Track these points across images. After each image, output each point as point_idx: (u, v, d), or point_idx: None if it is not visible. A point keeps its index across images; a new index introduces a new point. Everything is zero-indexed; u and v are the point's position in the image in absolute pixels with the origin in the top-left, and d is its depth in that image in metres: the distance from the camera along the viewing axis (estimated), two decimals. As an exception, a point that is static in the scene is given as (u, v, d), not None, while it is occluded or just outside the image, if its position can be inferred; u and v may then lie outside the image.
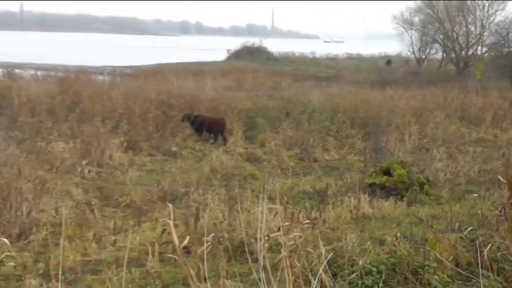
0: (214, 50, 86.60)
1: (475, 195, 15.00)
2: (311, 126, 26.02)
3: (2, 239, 10.17)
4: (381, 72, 59.73)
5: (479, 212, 12.81)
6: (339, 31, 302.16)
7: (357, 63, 77.23)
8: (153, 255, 8.84)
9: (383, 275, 7.43)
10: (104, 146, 19.97)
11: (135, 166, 19.85)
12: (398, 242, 8.86)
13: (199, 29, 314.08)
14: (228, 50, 77.35)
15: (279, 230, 6.59)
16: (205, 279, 5.78)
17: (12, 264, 9.17)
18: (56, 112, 24.37)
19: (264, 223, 5.96)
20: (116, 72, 50.63)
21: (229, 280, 6.54)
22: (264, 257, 5.76)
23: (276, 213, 8.86)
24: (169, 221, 5.83)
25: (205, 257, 5.92)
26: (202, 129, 24.56)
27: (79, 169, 18.34)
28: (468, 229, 9.45)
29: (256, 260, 5.93)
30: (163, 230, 9.64)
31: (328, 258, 6.83)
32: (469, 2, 60.74)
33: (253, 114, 28.08)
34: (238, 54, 74.38)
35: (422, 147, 23.68)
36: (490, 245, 8.17)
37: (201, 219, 12.40)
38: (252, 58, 69.68)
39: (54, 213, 13.65)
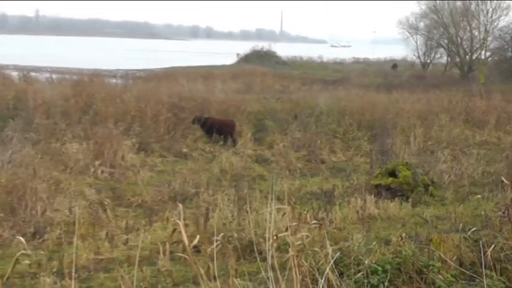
0: (224, 54, 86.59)
1: (479, 196, 14.92)
2: (318, 128, 25.98)
3: (18, 237, 10.27)
4: (387, 76, 59.64)
5: (482, 213, 12.74)
6: (346, 36, 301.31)
7: (364, 67, 77.07)
8: (164, 254, 8.89)
9: (388, 274, 7.42)
10: (116, 147, 20.00)
11: (147, 167, 19.87)
12: (404, 242, 8.84)
13: (210, 34, 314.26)
14: (238, 54, 77.30)
15: (286, 230, 6.59)
16: (214, 277, 5.79)
17: (27, 262, 9.18)
18: (70, 114, 24.41)
19: (273, 223, 5.96)
20: (128, 76, 50.78)
21: (238, 279, 6.55)
22: (272, 256, 5.75)
23: (284, 214, 8.84)
24: (179, 221, 5.83)
25: (214, 256, 5.93)
26: (212, 131, 24.56)
27: (92, 170, 18.37)
28: (472, 230, 9.42)
29: (264, 259, 5.92)
30: (174, 230, 9.69)
31: (335, 258, 6.82)
32: (473, 8, 60.69)
33: (262, 116, 28.06)
34: (248, 58, 74.32)
35: (427, 149, 23.61)
36: (493, 245, 8.15)
37: (210, 219, 12.39)
38: (261, 62, 69.64)
39: (68, 213, 13.67)
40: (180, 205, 7.01)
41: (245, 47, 79.28)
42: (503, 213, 10.90)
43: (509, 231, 9.56)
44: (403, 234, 9.58)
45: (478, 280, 7.44)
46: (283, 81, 49.40)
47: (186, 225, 8.57)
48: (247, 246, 10.09)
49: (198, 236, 6.28)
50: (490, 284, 7.20)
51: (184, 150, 22.67)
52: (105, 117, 24.00)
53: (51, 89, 30.18)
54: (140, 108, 25.72)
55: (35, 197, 13.91)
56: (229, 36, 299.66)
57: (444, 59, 66.66)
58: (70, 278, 8.81)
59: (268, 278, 5.69)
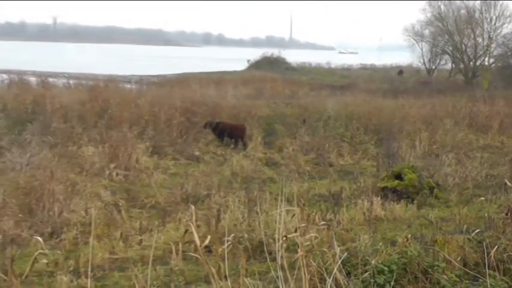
0: (235, 60, 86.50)
1: (482, 198, 14.87)
2: (327, 132, 25.98)
3: (36, 237, 10.29)
4: (393, 81, 59.53)
5: (486, 214, 12.70)
6: (354, 42, 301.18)
7: (371, 73, 76.91)
8: (176, 253, 8.89)
9: (394, 274, 7.39)
10: (130, 150, 20.03)
11: (160, 169, 19.90)
12: (409, 243, 8.81)
13: (221, 41, 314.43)
14: (248, 60, 77.19)
15: (296, 230, 6.58)
16: (225, 277, 5.79)
17: (45, 261, 9.20)
18: (86, 118, 24.46)
19: (282, 224, 5.95)
20: (142, 81, 50.79)
21: (248, 278, 6.54)
22: (281, 256, 5.74)
23: (293, 215, 8.85)
24: (191, 222, 5.84)
25: (225, 256, 5.92)
26: (224, 135, 24.59)
27: (107, 172, 18.41)
28: (476, 231, 9.37)
29: (274, 259, 5.92)
30: (186, 230, 9.69)
31: (342, 258, 6.80)
32: (477, 16, 60.62)
33: (272, 121, 28.06)
34: (258, 65, 74.24)
35: (432, 153, 23.58)
36: (496, 246, 8.11)
37: (222, 220, 12.38)
38: (271, 68, 69.58)
39: (84, 214, 13.71)
40: (192, 206, 7.02)
41: (255, 54, 79.24)
42: (506, 215, 10.84)
43: (512, 232, 9.52)
44: (409, 235, 9.54)
45: (481, 280, 7.40)
46: (293, 87, 49.35)
47: (198, 226, 8.60)
48: (257, 246, 10.10)
49: (209, 237, 6.29)
50: (493, 284, 7.16)
51: (197, 153, 22.69)
52: (120, 121, 24.05)
53: (68, 94, 30.25)
54: (154, 112, 25.76)
55: (52, 198, 13.96)
56: (240, 43, 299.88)
57: (449, 66, 66.49)
58: (86, 277, 8.86)
59: (277, 278, 5.68)
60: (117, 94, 29.96)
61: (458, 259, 8.43)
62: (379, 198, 15.25)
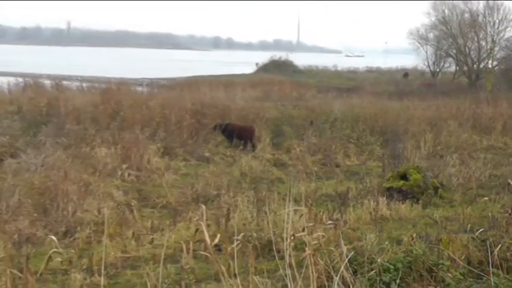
0: (243, 64, 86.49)
1: (486, 198, 14.85)
2: (333, 134, 26.00)
3: (50, 236, 10.33)
4: (399, 84, 59.51)
5: (489, 214, 12.68)
6: (360, 46, 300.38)
7: (376, 75, 76.75)
8: (187, 252, 8.89)
9: (400, 273, 7.39)
10: (142, 151, 20.07)
11: (171, 170, 19.91)
12: (414, 242, 8.81)
13: (230, 44, 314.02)
14: (257, 64, 77.15)
15: (303, 230, 6.58)
16: (235, 275, 5.79)
17: (59, 259, 9.22)
18: (99, 120, 24.51)
19: (290, 223, 5.95)
20: (153, 84, 50.93)
21: (257, 276, 6.55)
22: (289, 255, 5.74)
23: (301, 215, 8.86)
24: (202, 221, 5.84)
25: (235, 254, 5.93)
26: (233, 137, 24.60)
27: (120, 173, 18.43)
28: (479, 230, 9.35)
29: (282, 258, 5.91)
30: (197, 229, 9.71)
31: (349, 257, 6.79)
32: (480, 20, 60.54)
33: (280, 122, 28.06)
34: (266, 68, 74.19)
35: (436, 153, 23.54)
36: (500, 245, 8.10)
37: (231, 219, 12.39)
38: (278, 71, 69.50)
39: (97, 213, 13.74)
40: (203, 206, 7.00)
41: (264, 57, 79.18)
42: (510, 214, 10.85)
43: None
44: (414, 235, 9.55)
45: (485, 278, 7.40)
46: (300, 89, 49.28)
47: (208, 225, 8.59)
48: (266, 245, 10.10)
49: (219, 235, 6.29)
50: (496, 281, 7.15)
51: (207, 154, 22.70)
52: (132, 123, 24.09)
53: (82, 97, 30.33)
54: (165, 114, 25.78)
55: (66, 198, 14.01)
56: (248, 46, 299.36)
57: (453, 68, 66.43)
58: (99, 275, 8.88)
59: (285, 276, 5.68)
60: (129, 96, 30.00)
61: (463, 258, 8.42)
62: (384, 198, 15.25)
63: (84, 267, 9.75)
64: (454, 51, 63.23)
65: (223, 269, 5.61)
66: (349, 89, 52.73)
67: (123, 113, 25.23)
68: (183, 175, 19.80)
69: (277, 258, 6.55)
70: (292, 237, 6.08)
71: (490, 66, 59.42)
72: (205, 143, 24.00)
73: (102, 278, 7.66)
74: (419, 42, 67.60)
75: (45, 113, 25.70)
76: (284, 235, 5.88)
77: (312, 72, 76.70)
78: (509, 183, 14.40)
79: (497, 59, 59.51)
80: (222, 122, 25.37)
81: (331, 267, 6.58)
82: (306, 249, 6.07)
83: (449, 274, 7.60)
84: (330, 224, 10.18)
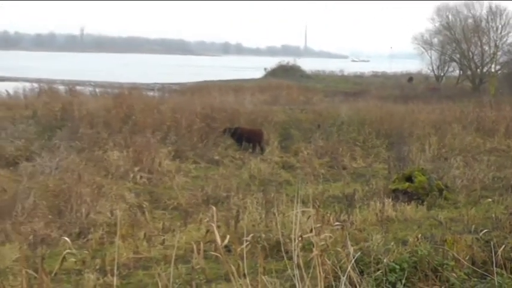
0: (252, 69, 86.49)
1: (490, 200, 14.83)
2: (340, 137, 25.97)
3: (64, 237, 10.36)
4: (404, 88, 59.29)
5: (493, 215, 12.65)
6: (366, 51, 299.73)
7: (382, 80, 76.50)
8: (198, 253, 8.88)
9: (405, 272, 7.37)
10: (153, 154, 20.10)
11: (182, 173, 19.94)
12: (420, 243, 8.79)
13: (239, 50, 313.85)
14: (265, 69, 77.08)
15: (311, 231, 6.57)
16: (244, 275, 5.78)
17: (73, 260, 9.27)
18: (112, 124, 24.54)
19: (298, 225, 5.93)
20: (164, 89, 51.01)
21: (266, 276, 6.53)
22: (297, 255, 5.73)
23: (309, 216, 8.84)
24: (212, 222, 5.84)
25: (244, 255, 5.91)
26: (242, 140, 24.62)
27: (132, 175, 18.47)
28: (483, 231, 9.33)
29: (290, 258, 5.90)
30: (207, 231, 9.72)
31: (355, 257, 6.77)
32: (483, 25, 60.45)
33: (288, 126, 28.04)
34: (274, 72, 74.12)
35: (441, 156, 23.49)
36: (503, 245, 8.06)
37: (240, 220, 12.38)
38: (286, 76, 69.42)
39: (110, 215, 13.78)
40: (213, 208, 7.01)
41: (272, 62, 79.13)
42: (513, 215, 10.81)
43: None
44: (419, 235, 9.53)
45: (489, 278, 7.37)
46: (307, 94, 49.25)
47: (218, 227, 8.59)
48: (274, 246, 10.08)
49: (228, 236, 6.29)
50: (500, 281, 7.12)
51: (216, 157, 22.71)
52: (144, 127, 24.12)
53: (95, 101, 30.38)
54: (176, 118, 25.80)
55: (79, 200, 14.05)
56: (257, 52, 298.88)
57: (456, 73, 66.29)
58: (112, 275, 8.89)
59: (294, 276, 5.67)
60: (141, 101, 30.03)
61: (467, 258, 8.39)
62: (390, 199, 15.22)
63: (97, 267, 9.77)
64: (458, 56, 63.14)
65: (233, 269, 5.61)
66: (356, 93, 52.62)
67: (135, 117, 25.26)
68: (194, 177, 19.82)
69: (285, 258, 6.54)
70: (300, 238, 6.07)
71: (493, 70, 59.33)
72: (215, 146, 24.00)
73: (115, 278, 7.66)
74: (423, 47, 67.60)
75: (59, 118, 25.75)
76: (292, 236, 5.87)
77: (319, 77, 76.53)
78: (512, 185, 14.36)
79: (500, 63, 59.51)
80: (231, 126, 25.42)
81: (338, 268, 6.56)
82: (314, 249, 6.05)
83: (454, 274, 7.58)
84: (337, 225, 10.18)
